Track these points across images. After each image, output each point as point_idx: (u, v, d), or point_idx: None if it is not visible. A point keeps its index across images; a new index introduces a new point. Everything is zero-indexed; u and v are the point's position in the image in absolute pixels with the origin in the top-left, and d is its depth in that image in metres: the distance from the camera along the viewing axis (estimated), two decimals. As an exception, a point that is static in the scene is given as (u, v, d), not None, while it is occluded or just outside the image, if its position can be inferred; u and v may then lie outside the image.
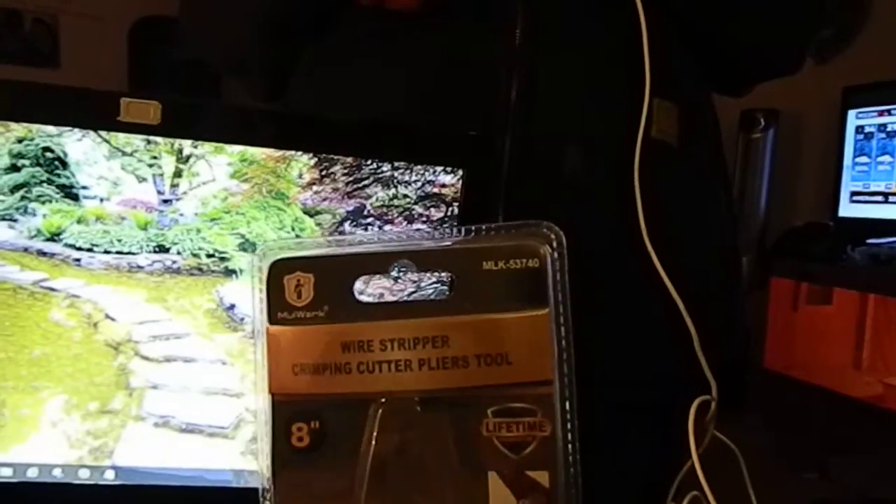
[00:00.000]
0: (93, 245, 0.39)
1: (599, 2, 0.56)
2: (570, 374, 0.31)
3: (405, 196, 0.42)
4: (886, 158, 2.12)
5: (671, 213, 0.53)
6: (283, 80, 0.62)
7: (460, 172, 0.42)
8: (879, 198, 2.13)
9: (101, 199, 0.39)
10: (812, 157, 2.41)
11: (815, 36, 0.67)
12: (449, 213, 0.42)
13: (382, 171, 0.41)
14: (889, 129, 2.13)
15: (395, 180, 0.42)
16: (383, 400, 0.31)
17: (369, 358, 0.31)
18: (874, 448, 1.79)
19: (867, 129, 2.19)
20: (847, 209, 2.21)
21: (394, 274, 0.32)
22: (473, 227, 0.32)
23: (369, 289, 0.33)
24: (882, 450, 1.75)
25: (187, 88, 2.20)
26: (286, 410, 0.32)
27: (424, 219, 0.42)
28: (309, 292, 0.31)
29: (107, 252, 0.39)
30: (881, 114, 2.15)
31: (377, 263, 0.32)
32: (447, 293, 0.33)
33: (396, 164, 0.42)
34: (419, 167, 0.42)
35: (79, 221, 0.39)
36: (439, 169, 0.42)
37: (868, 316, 1.89)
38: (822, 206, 2.31)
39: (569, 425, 0.31)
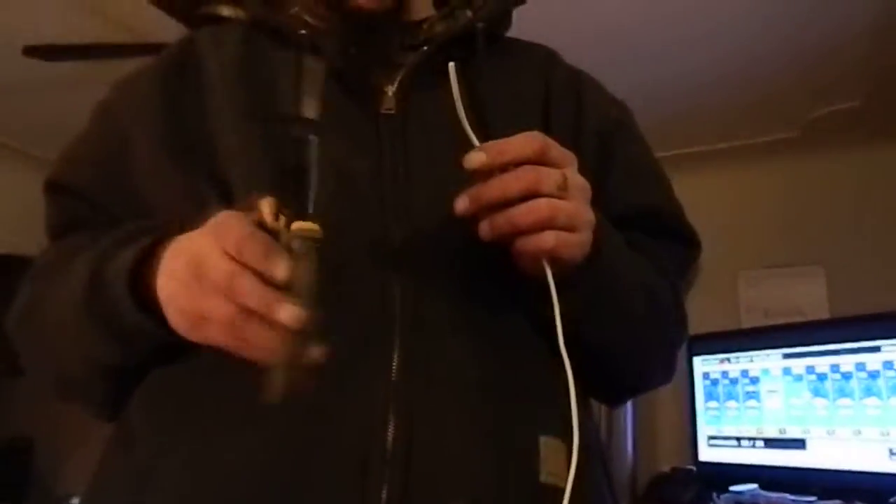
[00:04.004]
0: None
1: (481, 339, 0.55)
2: None
3: None
4: (733, 404, 2.27)
5: None
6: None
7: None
8: (733, 441, 2.24)
9: None
10: (672, 401, 2.53)
11: None
12: None
13: None
14: (731, 376, 2.30)
15: None
16: None
17: None
18: None
19: (712, 376, 2.36)
20: (706, 453, 2.30)
21: None
22: None
23: None
24: None
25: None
26: None
27: None
28: None
29: None
30: (722, 362, 2.34)
31: None
32: None
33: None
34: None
35: None
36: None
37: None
38: (683, 450, 2.39)
39: None
